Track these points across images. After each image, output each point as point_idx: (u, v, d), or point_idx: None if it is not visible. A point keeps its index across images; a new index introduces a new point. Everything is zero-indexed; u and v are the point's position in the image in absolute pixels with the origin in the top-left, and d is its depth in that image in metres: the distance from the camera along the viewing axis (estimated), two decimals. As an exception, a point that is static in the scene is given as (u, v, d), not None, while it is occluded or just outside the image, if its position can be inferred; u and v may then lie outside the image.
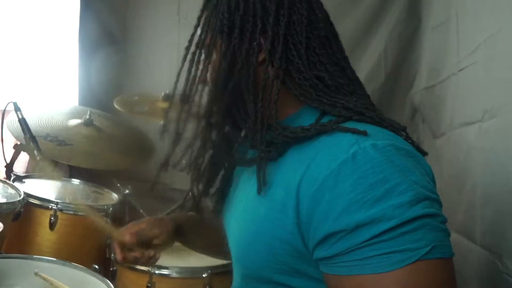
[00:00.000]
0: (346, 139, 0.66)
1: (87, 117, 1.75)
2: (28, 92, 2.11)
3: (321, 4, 0.80)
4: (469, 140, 1.31)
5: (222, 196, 0.95)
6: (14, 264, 1.01)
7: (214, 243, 1.11)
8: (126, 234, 0.98)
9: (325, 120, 0.72)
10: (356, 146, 0.64)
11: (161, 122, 1.97)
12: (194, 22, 0.85)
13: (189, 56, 0.82)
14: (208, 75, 0.80)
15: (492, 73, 1.20)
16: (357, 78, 0.80)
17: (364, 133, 0.65)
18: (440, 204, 0.66)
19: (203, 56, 0.80)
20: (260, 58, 0.75)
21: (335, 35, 0.80)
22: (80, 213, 1.45)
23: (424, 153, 0.73)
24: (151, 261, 1.02)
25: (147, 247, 1.00)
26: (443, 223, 0.64)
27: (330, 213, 0.62)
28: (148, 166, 2.05)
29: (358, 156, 0.63)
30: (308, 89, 0.74)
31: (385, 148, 0.64)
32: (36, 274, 0.95)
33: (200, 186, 0.91)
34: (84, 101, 2.28)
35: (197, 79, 0.81)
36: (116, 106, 1.90)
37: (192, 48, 0.81)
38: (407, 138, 0.72)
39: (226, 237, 0.98)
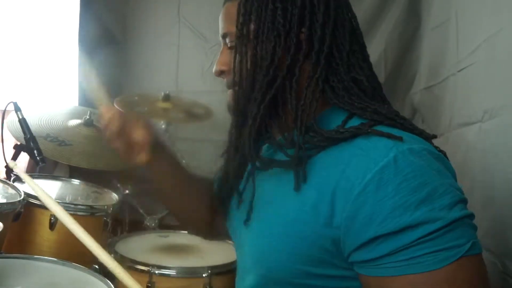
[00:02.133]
0: (383, 143, 0.66)
1: (87, 117, 1.75)
2: (28, 92, 2.11)
3: (352, 9, 0.81)
4: (469, 141, 1.31)
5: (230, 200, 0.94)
6: (14, 264, 1.01)
7: (191, 208, 1.05)
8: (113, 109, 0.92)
9: (354, 122, 0.72)
10: (395, 150, 0.65)
11: (161, 122, 1.98)
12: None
13: (233, 44, 0.79)
14: (247, 68, 0.77)
15: (492, 73, 1.20)
16: (380, 84, 0.82)
17: (400, 138, 0.66)
18: (467, 203, 0.68)
19: (244, 47, 0.77)
20: (305, 55, 0.75)
21: (363, 42, 0.81)
22: (80, 213, 1.45)
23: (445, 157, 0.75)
24: (134, 156, 0.95)
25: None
26: (474, 222, 0.67)
27: (375, 217, 0.63)
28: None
29: (399, 160, 0.64)
30: (340, 91, 0.75)
31: (421, 152, 0.66)
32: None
33: (228, 186, 0.90)
34: (84, 101, 2.28)
35: (243, 69, 0.77)
36: (116, 106, 1.90)
37: (237, 37, 0.77)
38: (435, 147, 0.74)
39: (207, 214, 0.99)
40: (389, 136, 0.67)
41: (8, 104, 1.50)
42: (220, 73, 0.84)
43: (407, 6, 2.03)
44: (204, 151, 2.19)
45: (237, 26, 0.77)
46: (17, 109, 1.48)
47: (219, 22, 0.84)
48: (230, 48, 0.81)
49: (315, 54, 0.74)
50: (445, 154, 0.74)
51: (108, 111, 0.93)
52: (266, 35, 0.75)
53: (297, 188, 0.71)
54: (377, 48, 2.06)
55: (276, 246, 0.74)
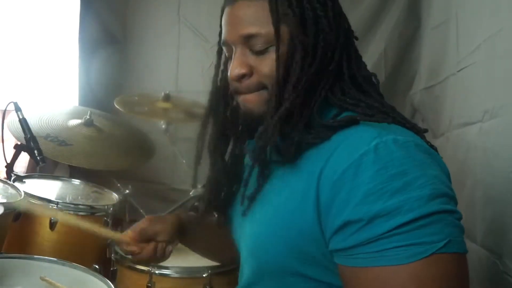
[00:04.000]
0: (368, 133, 0.67)
1: (87, 117, 1.75)
2: (28, 92, 2.11)
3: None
4: (469, 140, 1.31)
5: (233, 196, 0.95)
6: (14, 264, 1.01)
7: (215, 245, 1.12)
8: (128, 234, 0.98)
9: (343, 116, 0.74)
10: (378, 139, 0.65)
11: (161, 122, 1.98)
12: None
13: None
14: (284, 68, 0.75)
15: (492, 73, 1.20)
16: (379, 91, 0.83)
17: (385, 128, 0.68)
18: (456, 202, 0.67)
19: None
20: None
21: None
22: (80, 213, 1.45)
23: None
24: (164, 255, 1.02)
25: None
26: (459, 219, 0.65)
27: (349, 201, 0.64)
28: (148, 166, 2.05)
29: (380, 149, 0.64)
30: (336, 88, 0.76)
31: (406, 143, 0.66)
32: (42, 279, 0.94)
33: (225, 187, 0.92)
34: (84, 101, 2.28)
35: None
36: (116, 106, 1.90)
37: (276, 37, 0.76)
38: (427, 142, 0.74)
39: (227, 241, 0.97)
40: (374, 126, 0.68)
41: (8, 104, 1.50)
42: (242, 76, 0.78)
43: (407, 6, 2.03)
44: (204, 151, 2.19)
45: (274, 25, 0.74)
46: (17, 109, 1.48)
47: (231, 25, 0.79)
48: (259, 49, 0.77)
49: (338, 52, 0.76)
50: (436, 150, 0.74)
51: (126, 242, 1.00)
52: (299, 36, 0.74)
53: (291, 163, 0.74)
54: (377, 48, 2.06)
55: (269, 238, 0.75)
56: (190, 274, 1.40)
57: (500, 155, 1.11)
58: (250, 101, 0.79)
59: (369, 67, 0.83)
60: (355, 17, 2.08)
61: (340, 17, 0.78)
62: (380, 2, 2.07)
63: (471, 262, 1.21)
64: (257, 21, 0.75)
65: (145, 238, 0.99)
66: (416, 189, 0.62)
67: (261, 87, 0.77)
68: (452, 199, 0.66)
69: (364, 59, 0.83)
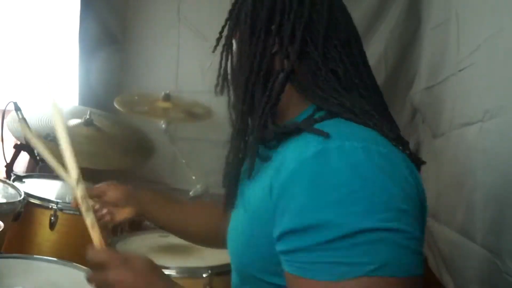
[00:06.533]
0: (317, 138, 0.63)
1: (87, 117, 1.75)
2: (28, 92, 2.10)
3: (344, 9, 0.80)
4: (470, 140, 1.30)
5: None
6: (14, 264, 1.01)
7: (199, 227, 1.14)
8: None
9: (316, 115, 0.72)
10: (322, 145, 0.62)
11: (161, 122, 1.98)
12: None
13: (219, 49, 0.83)
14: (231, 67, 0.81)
15: (493, 73, 1.20)
16: (374, 86, 0.79)
17: (325, 134, 0.63)
18: (414, 217, 0.60)
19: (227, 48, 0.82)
20: (274, 51, 0.75)
21: (357, 40, 0.80)
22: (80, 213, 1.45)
23: (420, 162, 0.71)
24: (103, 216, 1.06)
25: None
26: (410, 239, 0.58)
27: (286, 211, 0.62)
28: (148, 166, 2.05)
29: (320, 157, 0.61)
30: (309, 80, 0.73)
31: (353, 151, 0.60)
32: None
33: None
34: (84, 101, 2.28)
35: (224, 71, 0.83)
36: (116, 106, 1.90)
37: (222, 41, 0.83)
38: (404, 149, 0.69)
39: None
40: (317, 132, 0.64)
41: (8, 104, 1.50)
42: None
43: (407, 6, 2.03)
44: (204, 151, 2.19)
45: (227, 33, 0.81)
46: (17, 108, 1.48)
47: None
48: None
49: (284, 51, 0.74)
50: (414, 156, 0.69)
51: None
52: (241, 35, 0.78)
53: (248, 177, 0.73)
54: (377, 48, 2.06)
55: (242, 245, 0.75)
56: (190, 274, 1.40)
57: (500, 155, 1.11)
58: None
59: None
60: (355, 17, 2.07)
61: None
62: (380, 2, 2.07)
63: (471, 262, 1.22)
64: None
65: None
66: (351, 203, 0.57)
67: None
68: (404, 214, 0.58)
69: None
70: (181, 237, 1.20)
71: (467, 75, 1.39)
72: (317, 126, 0.67)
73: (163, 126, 1.99)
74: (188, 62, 2.30)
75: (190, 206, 1.23)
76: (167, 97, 1.96)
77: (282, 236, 0.63)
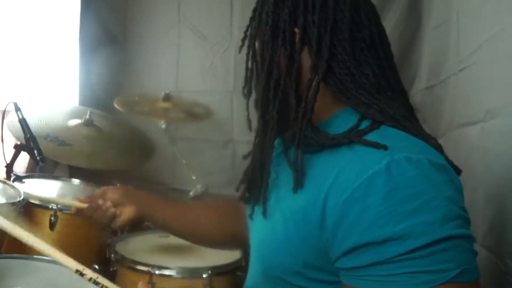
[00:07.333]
0: (376, 150, 0.63)
1: (87, 117, 1.75)
2: (28, 92, 2.10)
3: (371, 9, 0.78)
4: (470, 140, 1.30)
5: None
6: (14, 264, 1.01)
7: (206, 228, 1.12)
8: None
9: (363, 125, 0.70)
10: (389, 157, 0.61)
11: (161, 122, 1.98)
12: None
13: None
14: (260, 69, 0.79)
15: (493, 73, 1.20)
16: (402, 90, 0.79)
17: (384, 147, 0.63)
18: (469, 223, 0.64)
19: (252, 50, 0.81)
20: (303, 54, 0.74)
21: (383, 41, 0.79)
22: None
23: (459, 171, 0.72)
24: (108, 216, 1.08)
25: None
26: (473, 244, 0.62)
27: (358, 225, 0.61)
28: (148, 166, 2.05)
29: (392, 168, 0.60)
30: (348, 84, 0.72)
31: (419, 162, 0.62)
32: None
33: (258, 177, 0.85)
34: (84, 101, 2.28)
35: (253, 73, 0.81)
36: (116, 106, 1.90)
37: (246, 42, 0.82)
38: (443, 155, 0.71)
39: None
40: (375, 145, 0.64)
41: (8, 104, 1.50)
42: None
43: (408, 6, 2.03)
44: (204, 151, 2.19)
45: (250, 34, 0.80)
46: (17, 109, 1.48)
47: None
48: None
49: (314, 54, 0.73)
50: (452, 164, 0.71)
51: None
52: (265, 37, 0.76)
53: (294, 190, 0.71)
54: (377, 48, 2.06)
55: (275, 246, 0.74)
56: (191, 274, 1.40)
57: (501, 155, 1.10)
58: None
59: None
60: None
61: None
62: (380, 2, 2.06)
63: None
64: None
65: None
66: (429, 212, 0.58)
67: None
68: (467, 221, 0.63)
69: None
70: (185, 237, 1.18)
71: (468, 75, 1.39)
72: (368, 137, 0.66)
73: (163, 126, 1.99)
74: (188, 62, 2.29)
75: (199, 207, 1.21)
76: (167, 97, 1.96)
77: (352, 251, 0.62)
